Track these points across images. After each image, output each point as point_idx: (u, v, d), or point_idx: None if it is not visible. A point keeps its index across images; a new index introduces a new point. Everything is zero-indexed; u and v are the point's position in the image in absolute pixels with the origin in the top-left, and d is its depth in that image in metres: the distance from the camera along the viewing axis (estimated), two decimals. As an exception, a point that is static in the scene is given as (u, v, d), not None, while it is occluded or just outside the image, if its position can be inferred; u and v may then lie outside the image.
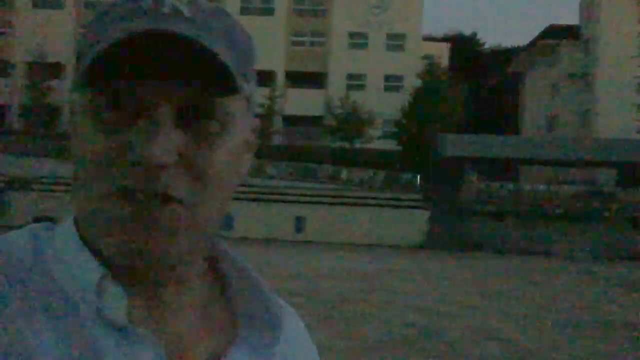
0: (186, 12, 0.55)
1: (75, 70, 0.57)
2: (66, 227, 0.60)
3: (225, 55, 0.53)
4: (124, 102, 0.54)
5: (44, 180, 28.82)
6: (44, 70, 39.49)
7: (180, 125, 0.54)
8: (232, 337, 0.62)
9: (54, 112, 38.96)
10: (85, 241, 0.58)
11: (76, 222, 0.60)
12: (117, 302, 0.55)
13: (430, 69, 40.22)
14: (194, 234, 0.56)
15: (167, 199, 0.54)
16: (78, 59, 0.57)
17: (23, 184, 28.54)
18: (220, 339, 0.61)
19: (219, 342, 0.61)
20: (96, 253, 0.57)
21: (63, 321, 0.54)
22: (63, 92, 40.09)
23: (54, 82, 39.62)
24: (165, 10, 0.54)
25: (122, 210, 0.53)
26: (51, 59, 40.45)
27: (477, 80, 51.92)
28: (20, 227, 0.63)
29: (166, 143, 0.53)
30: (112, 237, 0.54)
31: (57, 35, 42.38)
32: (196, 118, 0.55)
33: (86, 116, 0.56)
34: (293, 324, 0.70)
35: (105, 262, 0.56)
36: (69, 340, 0.53)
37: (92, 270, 0.56)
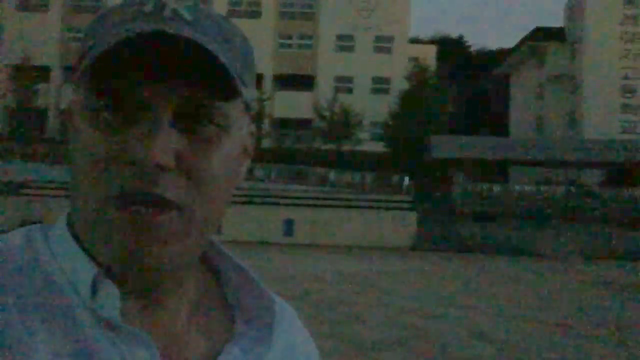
0: (187, 16, 0.55)
1: (75, 71, 0.56)
2: (59, 227, 0.60)
3: (226, 59, 0.53)
4: (123, 103, 0.54)
5: (31, 184, 28.55)
6: (31, 73, 39.15)
7: (179, 128, 0.55)
8: (228, 334, 0.62)
9: (40, 115, 38.65)
10: (79, 241, 0.58)
11: (69, 222, 0.60)
12: (110, 300, 0.55)
13: (417, 71, 40.38)
14: (189, 240, 0.56)
15: (163, 202, 0.53)
16: (79, 59, 0.56)
17: (10, 188, 28.24)
18: (216, 337, 0.61)
19: (215, 340, 0.61)
20: (90, 253, 0.57)
21: (57, 320, 0.54)
22: (50, 95, 39.78)
23: (40, 86, 39.31)
24: (167, 14, 0.55)
25: (119, 217, 0.53)
26: (37, 62, 40.12)
27: (465, 82, 52.20)
28: (7, 231, 0.62)
29: (165, 145, 0.53)
30: (108, 244, 0.54)
31: (44, 38, 42.06)
32: (195, 121, 0.55)
33: (85, 117, 0.56)
34: (289, 320, 0.68)
35: (98, 261, 0.56)
36: (64, 339, 0.53)
37: (86, 269, 0.56)
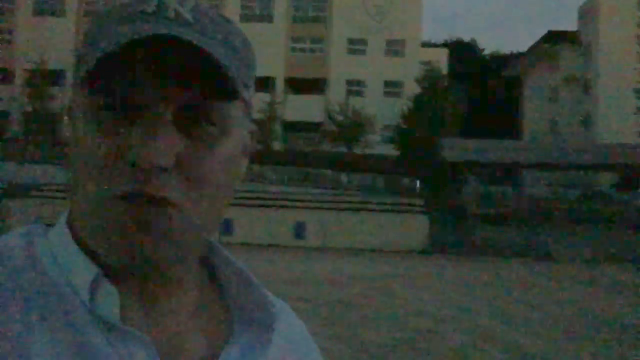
0: (188, 17, 0.55)
1: (76, 71, 0.57)
2: (59, 228, 0.60)
3: (226, 61, 0.53)
4: (123, 104, 0.54)
5: (43, 187, 28.84)
6: (45, 77, 39.58)
7: (179, 128, 0.55)
8: (227, 336, 0.62)
9: (54, 119, 39.04)
10: (79, 242, 0.58)
11: (69, 222, 0.60)
12: (110, 301, 0.55)
13: (429, 75, 40.29)
14: (188, 237, 0.56)
15: (163, 202, 0.54)
16: (79, 59, 0.57)
17: (23, 191, 28.53)
18: (215, 339, 0.62)
19: (214, 342, 0.61)
20: (90, 253, 0.57)
21: (57, 320, 0.54)
22: (63, 99, 40.18)
23: (54, 90, 39.72)
24: (169, 14, 0.55)
25: (119, 213, 0.54)
26: (52, 67, 40.55)
27: (477, 85, 52.00)
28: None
29: (165, 146, 0.53)
30: (109, 239, 0.55)
31: (58, 42, 42.52)
32: (195, 122, 0.56)
33: (86, 117, 0.56)
34: (288, 322, 0.69)
35: (98, 262, 0.56)
36: (63, 339, 0.53)
37: (86, 270, 0.56)
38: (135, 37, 0.51)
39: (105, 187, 0.54)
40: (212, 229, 0.60)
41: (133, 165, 0.53)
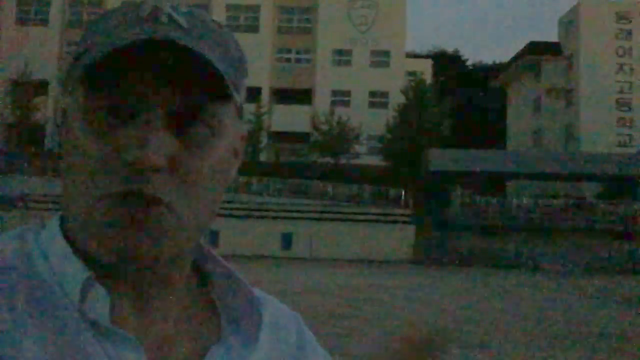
0: (182, 21, 0.57)
1: (72, 72, 0.58)
2: (52, 229, 0.61)
3: (219, 63, 0.55)
4: (117, 105, 0.55)
5: (29, 197, 28.55)
6: (29, 87, 39.25)
7: (171, 129, 0.56)
8: (215, 336, 0.63)
9: (39, 129, 38.69)
10: (71, 243, 0.59)
11: (62, 224, 0.61)
12: (100, 303, 0.56)
13: (414, 85, 40.58)
14: (181, 238, 0.57)
15: (156, 202, 0.55)
16: (76, 60, 0.58)
17: (8, 202, 28.22)
18: (204, 339, 0.62)
19: (203, 342, 0.62)
20: (82, 255, 0.57)
21: (47, 321, 0.55)
22: (48, 109, 39.86)
23: (38, 100, 39.37)
24: (163, 19, 0.56)
25: (112, 214, 0.54)
26: (36, 77, 40.23)
27: (461, 96, 52.45)
28: None
29: (158, 146, 0.54)
30: (102, 240, 0.55)
31: (42, 52, 42.21)
32: (188, 124, 0.57)
33: (79, 118, 0.57)
34: (278, 317, 0.69)
35: (90, 263, 0.57)
36: (53, 340, 0.54)
37: (77, 271, 0.57)
38: (133, 40, 0.53)
39: (98, 186, 0.55)
40: (203, 230, 0.60)
41: (126, 165, 0.54)
